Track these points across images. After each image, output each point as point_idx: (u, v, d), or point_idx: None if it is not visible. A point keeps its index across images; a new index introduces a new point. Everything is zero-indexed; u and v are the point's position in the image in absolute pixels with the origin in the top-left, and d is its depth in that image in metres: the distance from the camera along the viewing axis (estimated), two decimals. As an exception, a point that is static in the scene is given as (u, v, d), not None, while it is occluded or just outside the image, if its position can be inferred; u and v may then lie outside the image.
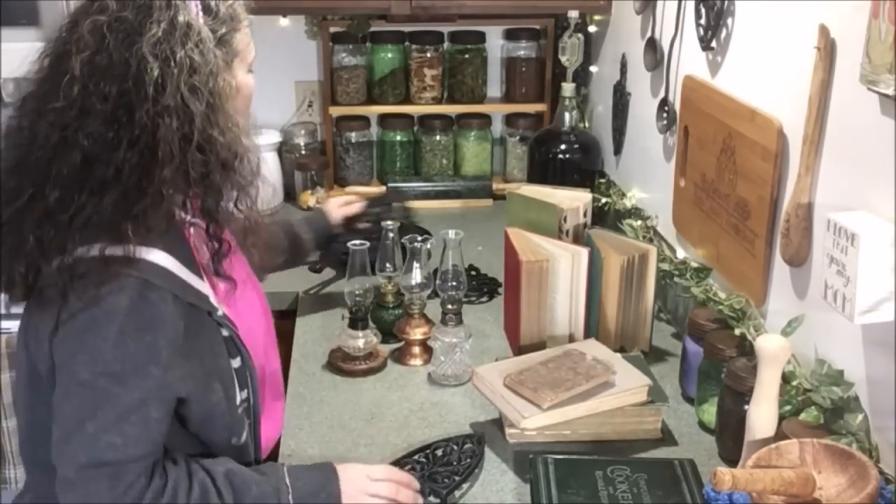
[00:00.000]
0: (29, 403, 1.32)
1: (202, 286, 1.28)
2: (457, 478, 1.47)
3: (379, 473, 1.39)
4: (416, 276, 1.85)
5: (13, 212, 1.22)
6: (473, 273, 2.24)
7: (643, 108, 2.24)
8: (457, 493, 1.46)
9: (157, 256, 1.22)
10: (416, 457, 1.52)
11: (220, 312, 1.30)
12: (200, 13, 1.26)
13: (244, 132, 1.30)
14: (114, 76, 1.18)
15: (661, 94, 2.08)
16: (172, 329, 1.22)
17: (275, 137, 2.77)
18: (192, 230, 1.33)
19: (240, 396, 1.35)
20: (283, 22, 2.76)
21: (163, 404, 1.23)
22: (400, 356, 1.88)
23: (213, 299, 1.30)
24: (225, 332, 1.32)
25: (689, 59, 1.95)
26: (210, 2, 1.29)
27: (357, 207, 2.05)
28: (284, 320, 2.12)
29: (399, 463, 1.50)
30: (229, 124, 1.25)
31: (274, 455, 1.56)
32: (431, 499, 1.43)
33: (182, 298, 1.23)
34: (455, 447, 1.54)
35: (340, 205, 2.06)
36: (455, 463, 1.50)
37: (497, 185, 2.80)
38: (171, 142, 1.18)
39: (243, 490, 1.28)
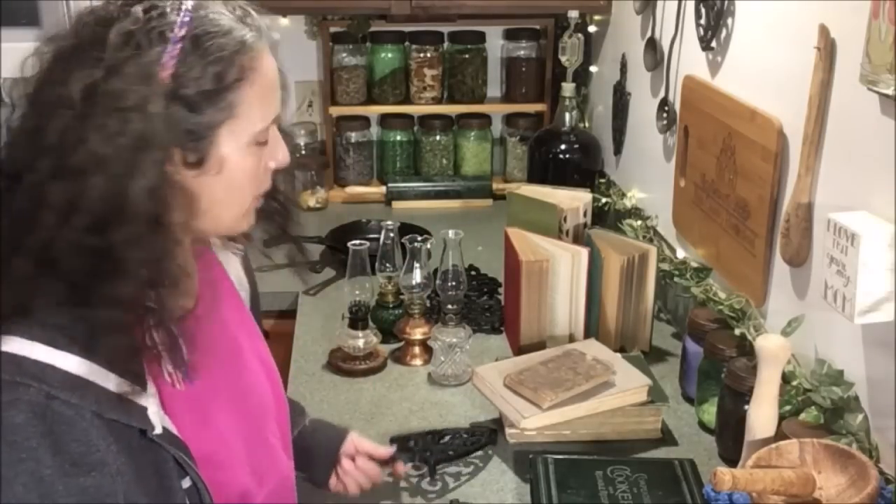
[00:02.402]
0: None
1: (138, 396, 0.97)
2: (451, 452, 1.47)
3: None
4: (416, 276, 1.85)
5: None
6: (473, 273, 2.24)
7: (643, 108, 2.24)
8: (452, 483, 1.46)
9: (69, 362, 0.92)
10: (424, 437, 1.53)
11: (157, 430, 0.98)
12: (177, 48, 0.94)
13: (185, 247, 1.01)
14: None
15: (661, 94, 2.08)
16: (95, 454, 0.92)
17: (275, 137, 2.76)
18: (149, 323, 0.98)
19: None
20: (283, 22, 2.75)
21: None
22: (400, 356, 1.88)
23: (152, 412, 0.98)
24: (171, 450, 1.01)
25: (689, 59, 1.95)
26: (200, 30, 0.95)
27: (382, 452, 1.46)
28: (284, 320, 2.12)
29: (404, 438, 1.52)
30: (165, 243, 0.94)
31: None
32: (417, 472, 1.46)
33: (102, 414, 0.93)
34: (465, 435, 1.55)
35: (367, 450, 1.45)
36: (456, 447, 1.52)
37: (497, 185, 2.80)
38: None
39: None
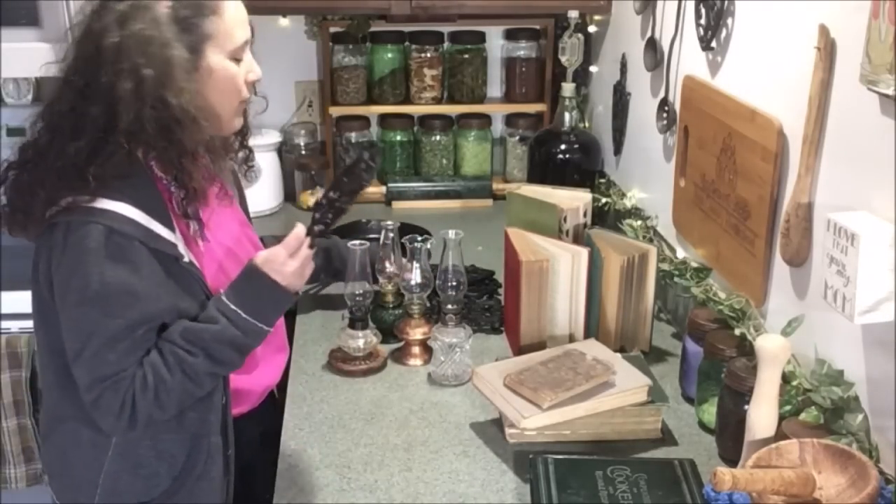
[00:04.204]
0: (41, 327, 1.51)
1: (170, 235, 1.43)
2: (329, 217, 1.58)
3: (291, 248, 1.50)
4: (416, 276, 1.85)
5: (34, 153, 1.44)
6: (473, 274, 2.23)
7: (643, 108, 2.24)
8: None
9: (121, 207, 1.38)
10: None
11: (185, 259, 1.45)
12: None
13: (214, 106, 1.47)
14: (89, 41, 1.40)
15: (661, 94, 2.08)
16: (146, 267, 1.39)
17: (275, 137, 2.76)
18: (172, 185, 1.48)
19: None
20: (283, 22, 2.76)
21: (147, 324, 1.41)
22: (400, 356, 1.88)
23: (180, 247, 1.45)
24: (196, 274, 1.47)
25: (689, 59, 1.95)
26: None
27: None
28: (284, 320, 2.12)
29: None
30: (181, 90, 1.39)
31: (264, 403, 1.71)
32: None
33: (147, 244, 1.39)
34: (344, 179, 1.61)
35: None
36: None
37: (497, 185, 2.80)
38: (126, 99, 1.36)
39: (202, 335, 1.44)
